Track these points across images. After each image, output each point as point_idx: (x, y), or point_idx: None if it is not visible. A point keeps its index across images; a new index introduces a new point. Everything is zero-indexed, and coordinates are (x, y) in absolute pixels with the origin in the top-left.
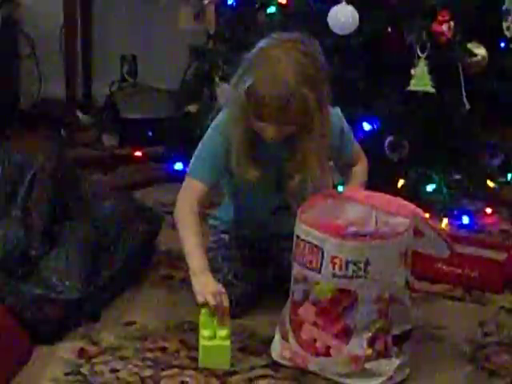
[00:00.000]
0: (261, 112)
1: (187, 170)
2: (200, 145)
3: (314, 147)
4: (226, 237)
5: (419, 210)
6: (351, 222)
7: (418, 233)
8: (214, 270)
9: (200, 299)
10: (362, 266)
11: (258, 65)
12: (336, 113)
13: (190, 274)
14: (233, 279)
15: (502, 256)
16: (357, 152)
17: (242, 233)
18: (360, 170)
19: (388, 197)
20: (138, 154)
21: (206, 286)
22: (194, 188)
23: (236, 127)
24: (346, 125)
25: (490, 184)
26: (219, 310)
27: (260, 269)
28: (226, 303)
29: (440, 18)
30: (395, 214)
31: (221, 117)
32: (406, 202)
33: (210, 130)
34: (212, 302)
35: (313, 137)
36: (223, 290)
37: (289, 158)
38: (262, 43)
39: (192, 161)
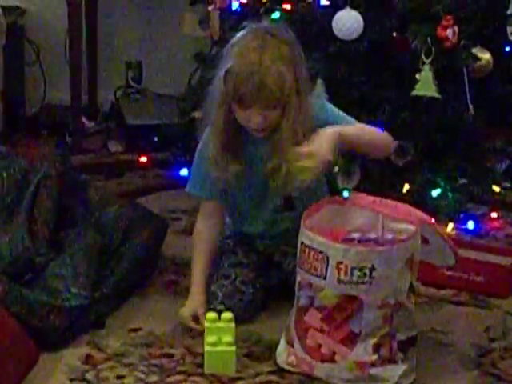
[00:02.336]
0: (240, 95)
1: (188, 187)
2: (194, 161)
3: (289, 129)
4: (230, 242)
5: (427, 217)
6: (356, 227)
7: (423, 240)
8: (221, 276)
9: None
10: (367, 272)
11: (232, 51)
12: (321, 105)
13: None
14: (241, 285)
15: (507, 261)
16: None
17: (245, 240)
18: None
19: (395, 203)
20: (144, 160)
21: (186, 309)
22: (204, 207)
23: (217, 121)
24: (332, 118)
25: (496, 189)
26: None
27: (266, 274)
28: (201, 327)
29: (444, 22)
30: (402, 220)
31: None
32: (413, 209)
33: (198, 151)
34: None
35: (288, 118)
36: (202, 312)
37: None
38: (235, 36)
39: (190, 179)
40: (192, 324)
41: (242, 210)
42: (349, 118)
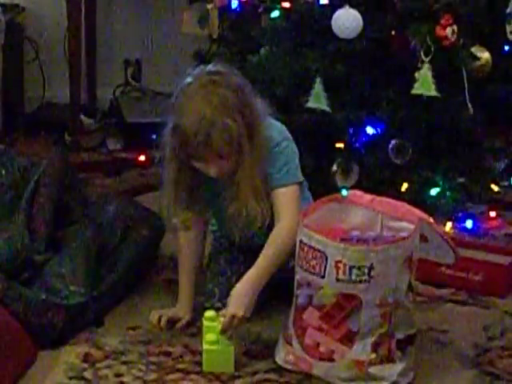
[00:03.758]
0: (189, 150)
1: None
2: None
3: (246, 176)
4: (225, 241)
5: (426, 216)
6: (355, 226)
7: (422, 238)
8: (217, 273)
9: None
10: (365, 270)
11: (177, 105)
12: (277, 127)
13: None
14: (237, 282)
15: (505, 260)
16: (286, 194)
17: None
18: (270, 247)
19: (394, 201)
20: (142, 158)
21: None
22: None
23: (169, 173)
24: (285, 143)
25: (494, 188)
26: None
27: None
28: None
29: (444, 21)
30: (401, 218)
31: None
32: (412, 207)
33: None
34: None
35: (244, 166)
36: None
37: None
38: (181, 84)
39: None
40: (154, 321)
41: (217, 222)
42: (291, 172)
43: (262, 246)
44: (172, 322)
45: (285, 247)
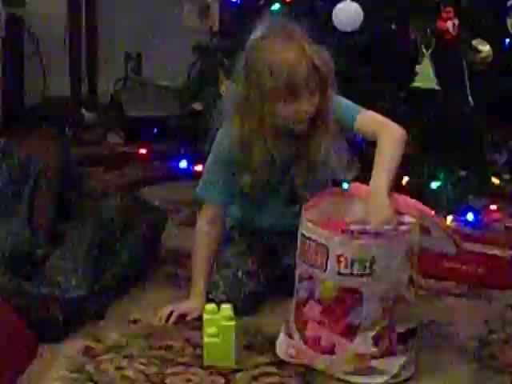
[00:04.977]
0: (293, 85)
1: (198, 190)
2: (208, 164)
3: (327, 119)
4: (235, 234)
5: (427, 209)
6: (357, 219)
7: (424, 230)
8: (223, 265)
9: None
10: (367, 264)
11: (265, 49)
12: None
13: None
14: (243, 277)
15: (507, 253)
16: (369, 119)
17: (250, 231)
18: (382, 151)
19: (395, 195)
20: (143, 151)
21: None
22: (207, 211)
23: (258, 120)
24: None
25: (495, 181)
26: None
27: (268, 266)
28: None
29: (444, 15)
30: (402, 212)
31: (224, 134)
32: (413, 200)
33: (215, 149)
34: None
35: (327, 104)
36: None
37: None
38: (254, 35)
39: (201, 182)
40: (163, 317)
41: (252, 204)
42: (352, 106)
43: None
44: (179, 316)
45: (397, 149)
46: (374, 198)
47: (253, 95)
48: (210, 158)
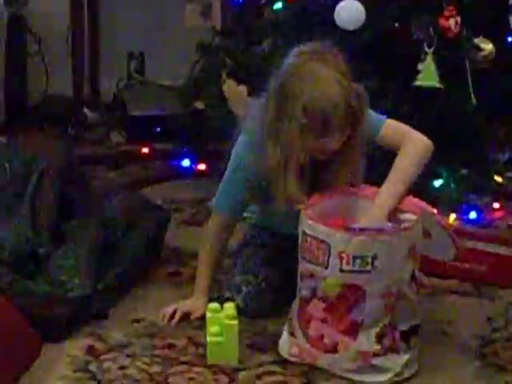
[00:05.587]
0: (327, 123)
1: (214, 201)
2: (225, 176)
3: (357, 145)
4: (257, 234)
5: (429, 207)
6: (359, 218)
7: (425, 234)
8: (249, 272)
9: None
10: (369, 261)
11: (301, 82)
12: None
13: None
14: (266, 287)
15: (510, 251)
16: (393, 129)
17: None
18: (399, 163)
19: None
20: (146, 150)
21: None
22: (215, 222)
23: (295, 151)
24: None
25: (498, 179)
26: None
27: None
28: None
29: (447, 13)
30: (404, 210)
31: (245, 150)
32: (415, 199)
33: (233, 162)
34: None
35: (356, 136)
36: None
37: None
38: (291, 60)
39: (217, 193)
40: (167, 316)
41: (274, 214)
42: (376, 116)
43: None
44: (182, 315)
45: (419, 160)
46: (374, 209)
47: (284, 125)
48: (228, 170)
